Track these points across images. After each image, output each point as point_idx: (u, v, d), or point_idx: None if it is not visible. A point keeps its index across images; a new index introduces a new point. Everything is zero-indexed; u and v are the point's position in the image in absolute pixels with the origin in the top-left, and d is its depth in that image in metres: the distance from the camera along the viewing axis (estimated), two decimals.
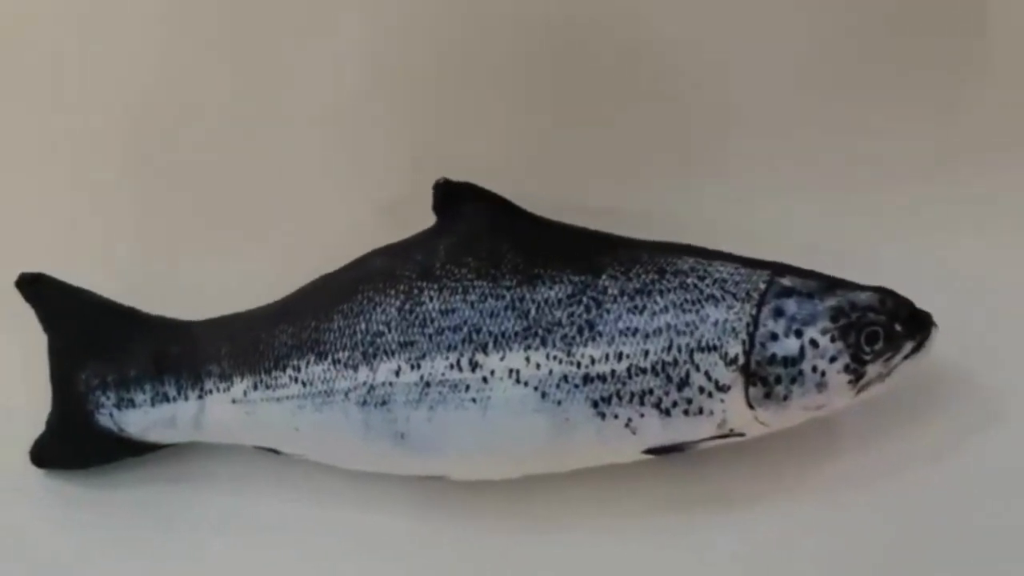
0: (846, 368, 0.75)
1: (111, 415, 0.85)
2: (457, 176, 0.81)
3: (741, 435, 0.77)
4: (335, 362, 0.79)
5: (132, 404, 0.85)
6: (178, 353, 0.85)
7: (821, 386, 0.75)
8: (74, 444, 0.88)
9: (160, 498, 0.88)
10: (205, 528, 0.86)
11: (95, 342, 0.87)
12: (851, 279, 0.78)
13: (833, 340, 0.75)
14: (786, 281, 0.77)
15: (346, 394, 0.79)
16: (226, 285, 0.90)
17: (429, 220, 0.83)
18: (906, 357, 0.76)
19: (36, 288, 0.88)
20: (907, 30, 0.87)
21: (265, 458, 0.85)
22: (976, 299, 0.86)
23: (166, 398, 0.84)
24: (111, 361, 0.86)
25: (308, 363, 0.80)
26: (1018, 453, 0.80)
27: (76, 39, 0.91)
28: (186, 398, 0.84)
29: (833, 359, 0.75)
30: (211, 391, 0.83)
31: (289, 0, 0.89)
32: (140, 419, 0.85)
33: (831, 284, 0.77)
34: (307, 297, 0.83)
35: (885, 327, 0.76)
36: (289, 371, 0.81)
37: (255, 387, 0.82)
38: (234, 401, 0.82)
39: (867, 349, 0.75)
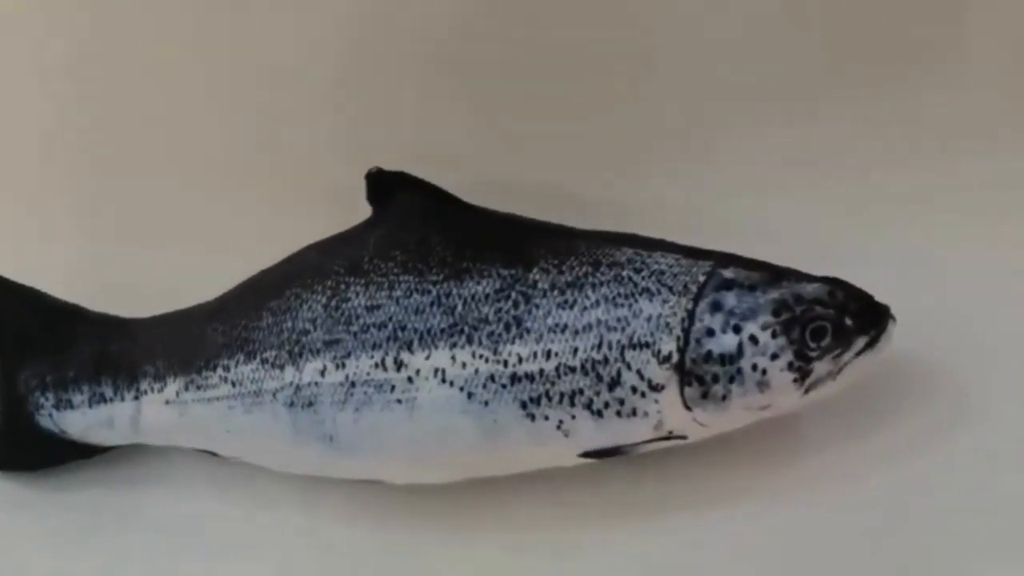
0: (790, 366, 0.70)
1: (51, 416, 0.83)
2: (409, 165, 0.77)
3: (683, 437, 0.72)
4: (263, 361, 0.76)
5: (70, 405, 0.82)
6: (117, 352, 0.82)
7: (763, 385, 0.70)
8: (19, 446, 0.86)
9: (106, 501, 0.86)
10: (150, 532, 0.84)
11: (35, 341, 0.85)
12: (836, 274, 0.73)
13: (775, 336, 0.70)
14: (728, 273, 0.72)
15: (274, 395, 0.76)
16: (173, 281, 0.88)
17: None
18: (858, 354, 0.71)
19: None
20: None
21: (209, 461, 0.82)
22: (957, 292, 0.81)
23: (103, 399, 0.82)
24: (51, 361, 0.83)
25: (237, 363, 0.77)
26: (987, 452, 0.75)
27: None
28: (122, 399, 0.81)
29: (775, 356, 0.70)
30: (146, 392, 0.80)
31: None
32: (79, 420, 0.83)
33: (777, 275, 0.72)
34: (241, 294, 0.80)
35: (833, 321, 0.70)
36: (219, 371, 0.78)
37: (187, 387, 0.79)
38: (167, 402, 0.80)
39: (813, 345, 0.70)
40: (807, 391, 0.71)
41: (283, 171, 0.90)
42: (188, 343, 0.79)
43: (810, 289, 0.71)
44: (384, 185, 0.78)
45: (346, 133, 0.88)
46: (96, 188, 0.92)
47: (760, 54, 0.84)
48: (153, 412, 0.80)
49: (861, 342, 0.70)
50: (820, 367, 0.70)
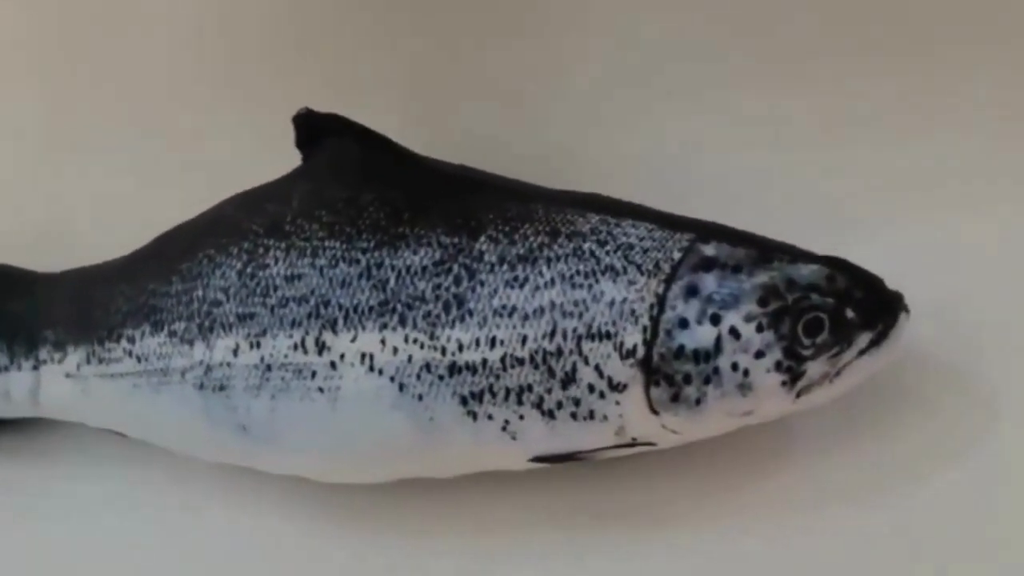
0: (777, 366, 0.58)
1: None
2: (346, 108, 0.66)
3: (651, 444, 0.61)
4: (171, 334, 0.66)
5: None
6: (15, 314, 0.71)
7: (744, 388, 0.58)
8: None
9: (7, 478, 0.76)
10: (51, 513, 0.75)
11: None
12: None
13: (760, 329, 0.58)
14: (708, 249, 0.60)
15: (182, 374, 0.65)
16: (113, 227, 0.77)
17: None
18: (861, 353, 0.58)
19: None
20: None
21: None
22: (974, 280, 0.68)
23: None
24: None
25: (143, 334, 0.67)
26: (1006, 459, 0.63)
27: None
28: (19, 368, 0.71)
29: (760, 354, 0.58)
30: (45, 361, 0.70)
31: None
32: None
33: (767, 252, 0.60)
34: (152, 252, 0.69)
35: (831, 313, 0.58)
36: (123, 343, 0.67)
37: (88, 360, 0.69)
38: (68, 375, 0.70)
39: (806, 342, 0.58)
40: (798, 395, 0.59)
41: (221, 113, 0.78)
42: (90, 307, 0.69)
43: (805, 272, 0.59)
44: (314, 129, 0.66)
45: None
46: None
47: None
48: (54, 385, 0.70)
49: (865, 339, 0.58)
50: (814, 368, 0.58)
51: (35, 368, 0.71)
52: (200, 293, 0.65)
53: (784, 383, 0.58)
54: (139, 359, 0.67)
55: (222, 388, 0.64)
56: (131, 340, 0.67)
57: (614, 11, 0.74)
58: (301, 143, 0.66)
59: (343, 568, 0.68)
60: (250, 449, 0.65)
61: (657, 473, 0.65)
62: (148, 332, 0.66)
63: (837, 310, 0.58)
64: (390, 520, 0.68)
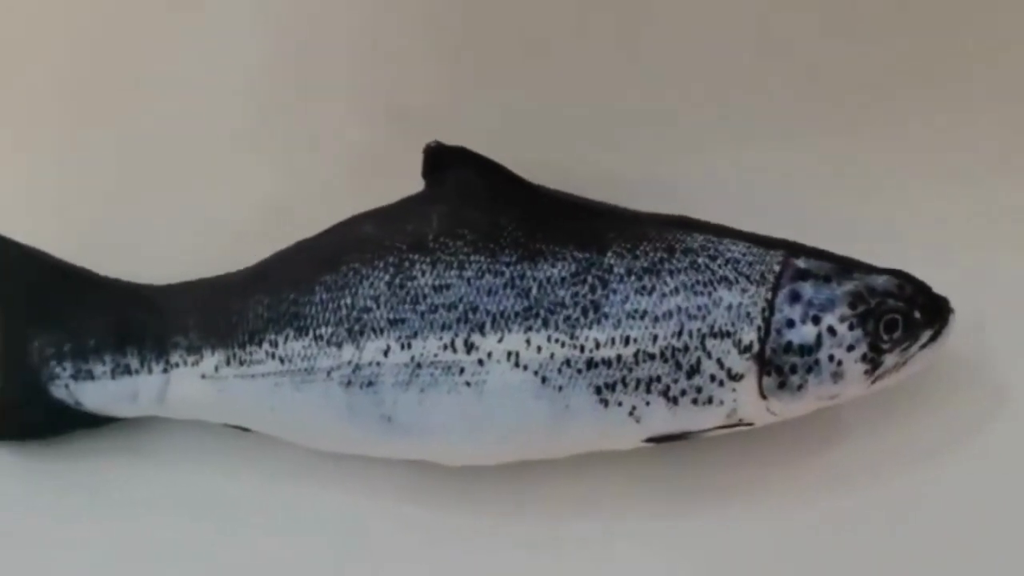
0: (864, 357, 0.71)
1: (67, 387, 0.79)
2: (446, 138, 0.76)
3: (750, 424, 0.73)
4: (317, 338, 0.74)
5: (90, 376, 0.79)
6: (141, 322, 0.79)
7: (837, 376, 0.71)
8: (26, 415, 0.81)
9: (118, 472, 0.82)
10: (167, 506, 0.81)
11: (48, 308, 0.80)
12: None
13: (852, 328, 0.71)
14: (801, 263, 0.72)
15: (328, 373, 0.74)
16: (186, 245, 0.85)
17: (408, 184, 0.77)
18: (923, 346, 0.72)
19: None
20: None
21: (232, 434, 0.80)
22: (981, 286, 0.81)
23: (127, 371, 0.78)
24: (67, 329, 0.80)
25: (287, 338, 0.75)
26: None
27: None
28: (150, 371, 0.78)
29: (851, 348, 0.71)
30: (177, 364, 0.77)
31: None
32: (99, 392, 0.79)
33: (847, 266, 0.73)
34: (284, 265, 0.77)
35: (905, 314, 0.72)
36: (265, 346, 0.75)
37: (227, 362, 0.76)
38: (203, 376, 0.77)
39: (886, 337, 0.71)
40: (874, 382, 0.72)
41: (308, 140, 0.86)
42: (225, 316, 0.77)
43: (881, 281, 0.72)
44: (442, 160, 0.76)
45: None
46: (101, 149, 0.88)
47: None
48: (185, 386, 0.77)
49: (926, 335, 0.72)
50: (889, 359, 0.72)
51: (165, 371, 0.78)
52: (349, 301, 0.74)
53: (866, 372, 0.71)
54: (282, 360, 0.75)
55: (370, 384, 0.73)
56: (273, 344, 0.75)
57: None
58: (427, 172, 0.76)
59: (473, 546, 0.78)
60: (390, 437, 0.74)
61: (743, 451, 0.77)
62: (292, 336, 0.75)
63: (908, 312, 0.72)
64: (511, 499, 0.78)
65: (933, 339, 0.72)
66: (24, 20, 0.86)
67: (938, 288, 0.73)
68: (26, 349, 0.80)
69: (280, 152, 0.86)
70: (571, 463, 0.76)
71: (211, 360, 0.76)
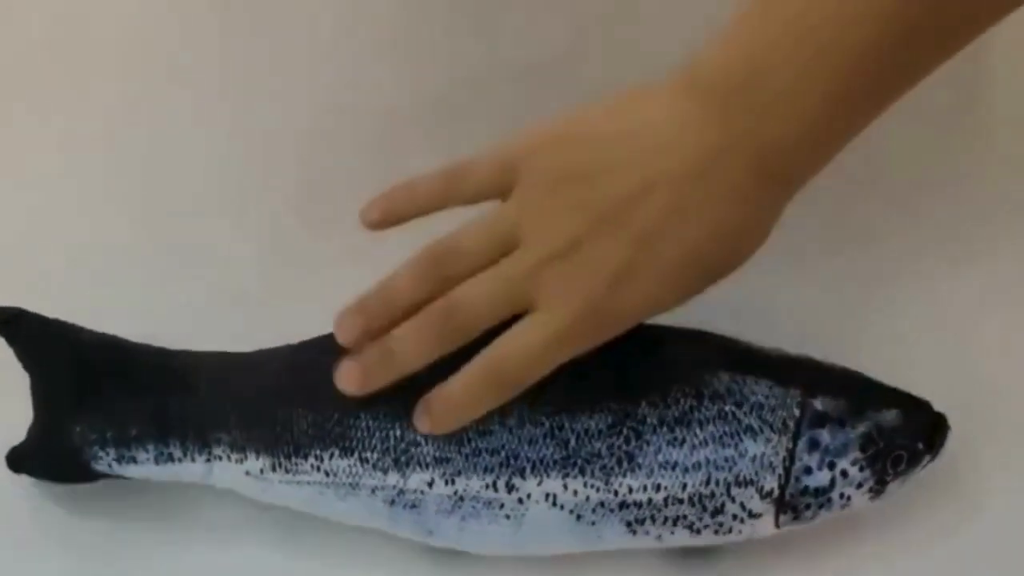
0: (870, 490, 0.79)
1: (110, 466, 0.83)
2: None
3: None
4: (362, 460, 0.79)
5: (134, 461, 0.82)
6: (181, 411, 0.82)
7: (845, 506, 0.79)
8: (67, 478, 0.85)
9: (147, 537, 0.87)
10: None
11: (87, 390, 0.83)
12: None
13: (862, 469, 0.78)
14: (818, 404, 0.78)
15: (373, 491, 0.79)
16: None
17: None
18: (923, 467, 0.80)
19: (15, 327, 0.83)
20: None
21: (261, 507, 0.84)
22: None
23: (171, 459, 0.82)
24: (107, 414, 0.82)
25: (332, 456, 0.79)
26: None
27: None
28: (192, 460, 0.82)
29: (860, 485, 0.78)
30: (220, 457, 0.81)
31: None
32: (142, 473, 0.83)
33: (860, 403, 0.79)
34: (325, 377, 0.80)
35: (909, 450, 0.78)
36: (311, 460, 0.79)
37: (273, 468, 0.80)
38: (248, 473, 0.81)
39: (891, 471, 0.79)
40: (873, 500, 0.80)
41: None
42: (268, 423, 0.80)
43: (889, 418, 0.78)
44: None
45: None
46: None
47: None
48: (228, 477, 0.82)
49: (927, 460, 0.79)
50: (892, 486, 0.79)
51: (208, 461, 0.81)
52: (397, 434, 0.78)
53: (871, 499, 0.79)
54: (327, 473, 0.79)
55: (414, 506, 0.79)
56: (319, 458, 0.79)
57: None
58: None
59: None
60: (429, 542, 0.80)
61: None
62: (337, 455, 0.79)
63: (912, 447, 0.79)
64: None
65: (932, 459, 0.80)
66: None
67: None
68: (66, 432, 0.82)
69: None
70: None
71: (256, 463, 0.80)
